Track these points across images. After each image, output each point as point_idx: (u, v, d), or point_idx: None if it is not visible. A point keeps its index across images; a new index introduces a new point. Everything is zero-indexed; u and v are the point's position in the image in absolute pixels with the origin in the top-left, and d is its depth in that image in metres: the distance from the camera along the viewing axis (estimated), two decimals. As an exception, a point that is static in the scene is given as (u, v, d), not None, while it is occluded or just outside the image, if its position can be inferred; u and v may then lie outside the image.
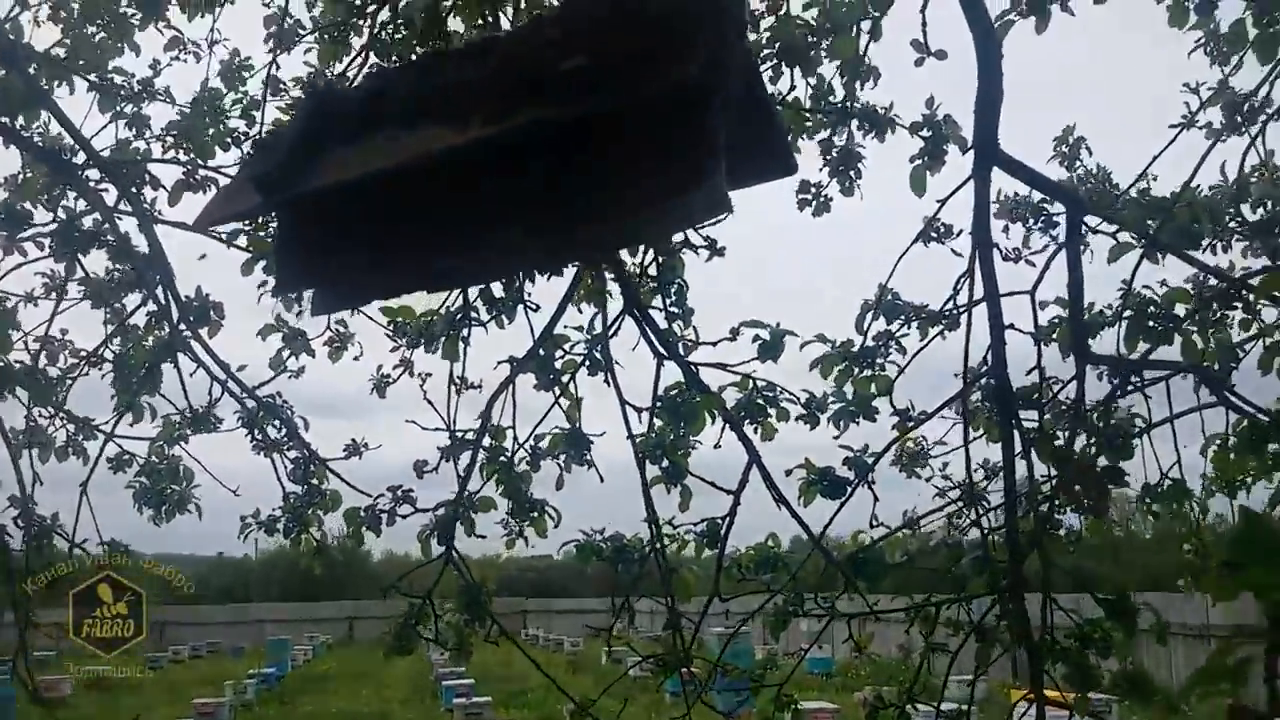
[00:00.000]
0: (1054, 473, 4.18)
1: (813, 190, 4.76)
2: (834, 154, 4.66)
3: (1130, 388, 4.50)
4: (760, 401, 3.78)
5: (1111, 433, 4.32)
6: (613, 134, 1.51)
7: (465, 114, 1.54)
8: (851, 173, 4.67)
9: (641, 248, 3.84)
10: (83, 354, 5.21)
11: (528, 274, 3.31)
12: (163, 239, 4.74)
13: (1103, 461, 4.48)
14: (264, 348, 5.19)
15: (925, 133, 4.29)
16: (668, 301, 3.97)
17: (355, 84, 1.86)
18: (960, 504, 4.54)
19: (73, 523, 4.99)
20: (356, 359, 5.28)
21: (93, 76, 5.14)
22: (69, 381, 5.30)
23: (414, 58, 4.11)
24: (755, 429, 3.80)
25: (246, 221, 4.32)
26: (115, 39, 5.16)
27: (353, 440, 4.71)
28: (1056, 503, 4.32)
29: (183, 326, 4.54)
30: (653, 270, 4.01)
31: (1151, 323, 4.38)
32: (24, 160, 5.04)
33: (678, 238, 3.89)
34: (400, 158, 1.60)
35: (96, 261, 5.17)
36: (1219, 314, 4.46)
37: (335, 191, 1.68)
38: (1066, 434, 4.41)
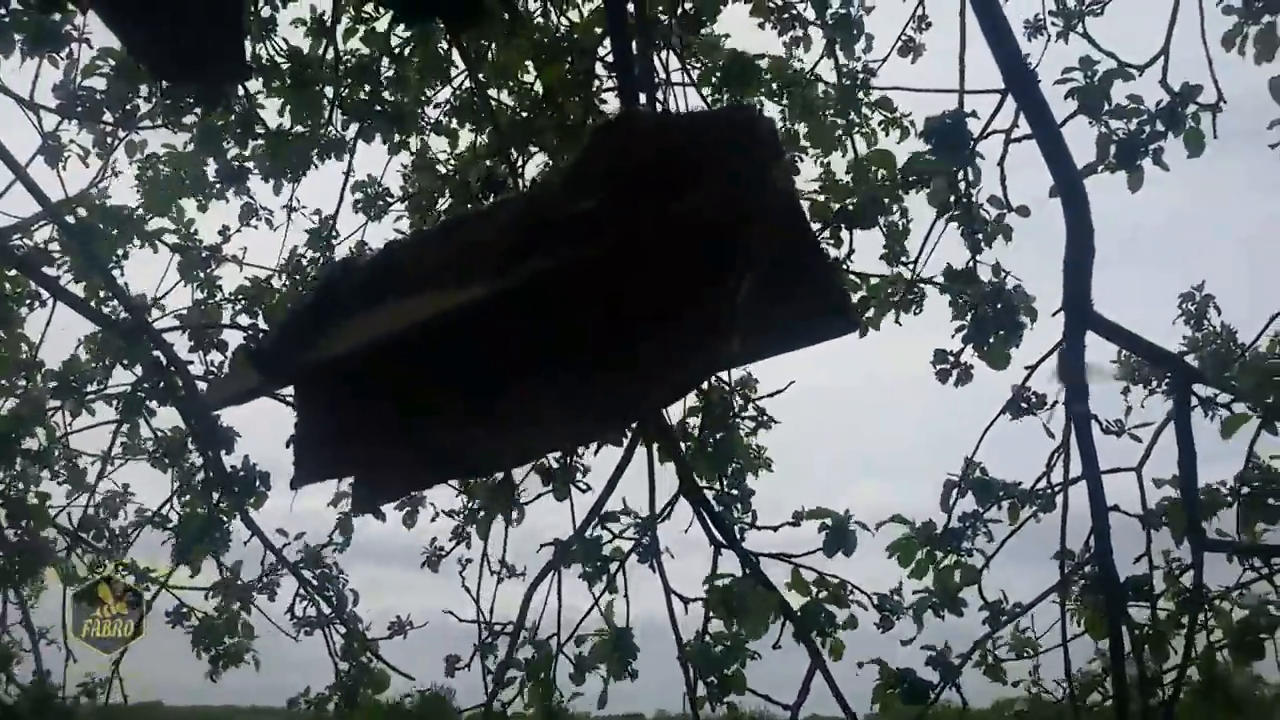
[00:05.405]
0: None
1: (950, 359, 4.09)
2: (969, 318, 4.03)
3: (1257, 575, 3.97)
4: (829, 607, 3.38)
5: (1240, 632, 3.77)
6: (625, 291, 1.42)
7: (470, 275, 1.42)
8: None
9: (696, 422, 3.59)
10: (147, 513, 5.16)
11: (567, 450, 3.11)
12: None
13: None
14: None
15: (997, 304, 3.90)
16: (724, 483, 3.68)
17: (366, 257, 1.75)
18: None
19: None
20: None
21: (175, 239, 5.25)
22: (131, 534, 5.25)
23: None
24: (823, 642, 3.39)
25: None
26: (199, 198, 5.26)
27: (397, 618, 4.54)
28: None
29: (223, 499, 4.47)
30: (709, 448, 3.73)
31: (1272, 500, 3.86)
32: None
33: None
34: (398, 325, 1.47)
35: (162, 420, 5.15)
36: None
37: (344, 373, 1.55)
38: (1185, 629, 3.90)
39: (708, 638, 3.43)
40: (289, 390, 1.80)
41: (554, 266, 1.34)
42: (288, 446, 1.87)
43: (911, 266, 4.14)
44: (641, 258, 1.37)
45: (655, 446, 3.66)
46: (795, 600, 3.42)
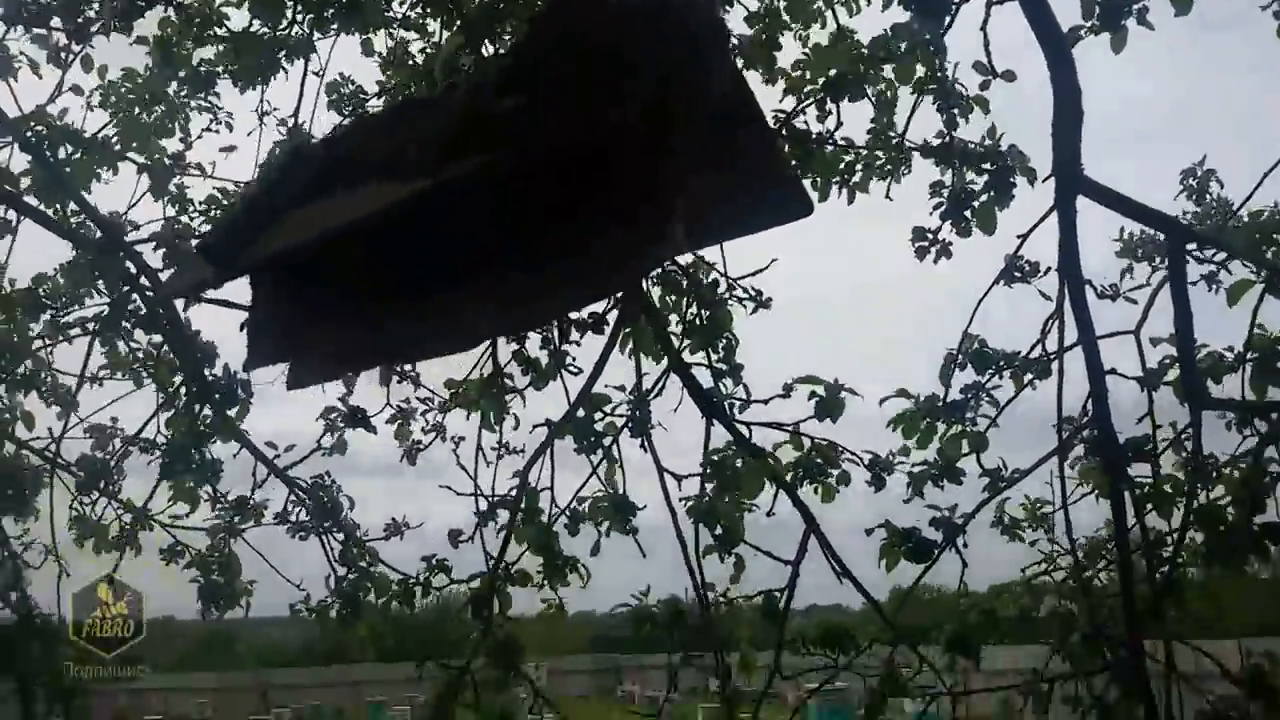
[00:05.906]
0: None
1: (929, 236, 4.08)
2: (944, 194, 4.04)
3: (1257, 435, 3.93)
4: (819, 461, 3.37)
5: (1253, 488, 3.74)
6: (568, 181, 1.42)
7: (410, 168, 1.43)
8: (966, 212, 3.98)
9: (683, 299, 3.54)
10: (140, 440, 5.04)
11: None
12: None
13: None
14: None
15: (987, 165, 3.82)
16: (714, 358, 3.63)
17: (312, 146, 1.73)
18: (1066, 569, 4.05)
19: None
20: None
21: (141, 158, 5.08)
22: (122, 467, 5.15)
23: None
24: (815, 489, 3.40)
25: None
26: (165, 121, 5.09)
27: (393, 520, 4.54)
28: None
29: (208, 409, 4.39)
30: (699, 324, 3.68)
31: (1281, 364, 3.80)
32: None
33: (722, 287, 3.59)
34: (345, 218, 1.49)
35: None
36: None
37: (291, 260, 1.58)
38: (1186, 488, 3.88)
39: (707, 497, 3.42)
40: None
41: (491, 162, 1.34)
42: (241, 330, 1.87)
43: (899, 139, 4.05)
44: (582, 149, 1.36)
45: (641, 325, 3.62)
46: (787, 457, 3.40)
